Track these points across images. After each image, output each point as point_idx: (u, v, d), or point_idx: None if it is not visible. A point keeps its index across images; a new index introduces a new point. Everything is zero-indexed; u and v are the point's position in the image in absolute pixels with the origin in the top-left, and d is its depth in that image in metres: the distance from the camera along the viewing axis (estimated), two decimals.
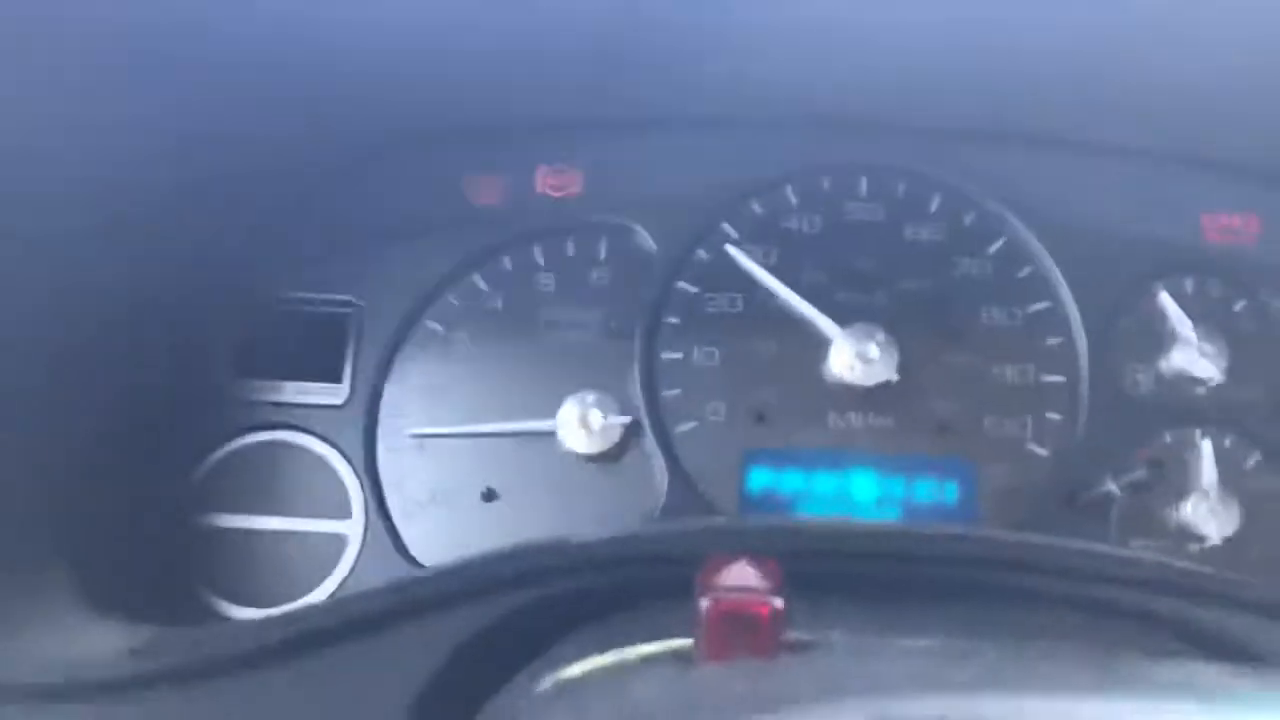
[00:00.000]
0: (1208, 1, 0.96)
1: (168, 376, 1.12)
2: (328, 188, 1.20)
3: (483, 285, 1.17)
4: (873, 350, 1.10)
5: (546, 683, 0.61)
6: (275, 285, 1.17)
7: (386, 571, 1.07)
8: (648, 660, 0.64)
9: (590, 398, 1.11)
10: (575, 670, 0.61)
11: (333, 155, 1.19)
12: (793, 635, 0.63)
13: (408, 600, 0.70)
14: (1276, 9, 0.96)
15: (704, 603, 0.62)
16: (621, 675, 0.60)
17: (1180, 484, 1.09)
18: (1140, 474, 0.99)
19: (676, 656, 0.63)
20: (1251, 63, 1.03)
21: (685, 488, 1.10)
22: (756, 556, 0.64)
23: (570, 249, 1.18)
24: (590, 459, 1.10)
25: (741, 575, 0.63)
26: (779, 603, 0.62)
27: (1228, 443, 1.10)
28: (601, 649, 0.70)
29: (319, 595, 1.08)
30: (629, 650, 0.64)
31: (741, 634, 0.62)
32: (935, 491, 1.10)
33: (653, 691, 0.59)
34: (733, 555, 0.64)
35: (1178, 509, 1.08)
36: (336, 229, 1.19)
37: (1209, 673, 0.59)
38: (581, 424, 1.10)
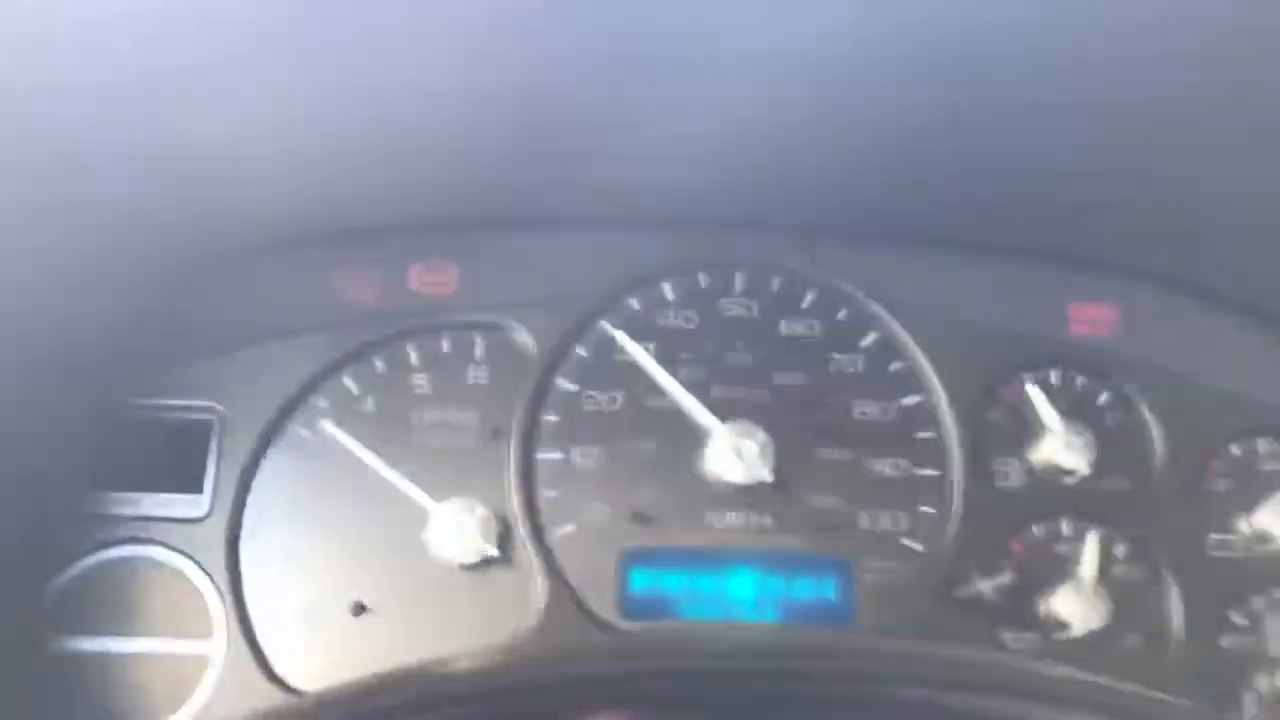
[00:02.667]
0: (1064, 110, 0.99)
1: (19, 491, 1.05)
2: (193, 290, 1.15)
3: (353, 387, 1.14)
4: (749, 448, 1.10)
5: None
6: (134, 393, 1.12)
7: (250, 693, 1.02)
8: None
9: (465, 503, 1.08)
10: None
11: (199, 258, 1.15)
12: None
13: None
14: (1129, 113, 1.00)
15: None
16: None
17: (1051, 575, 1.11)
18: (1008, 578, 1.00)
19: None
20: (1111, 160, 1.06)
21: (564, 594, 1.08)
22: (617, 708, 0.63)
23: (446, 347, 1.16)
24: (465, 568, 1.08)
25: None
26: None
27: (1096, 534, 1.13)
28: None
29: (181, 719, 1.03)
30: None
31: None
32: (813, 590, 1.10)
33: None
34: (594, 709, 0.63)
35: (1049, 600, 1.09)
36: (201, 332, 1.15)
37: None
38: (455, 531, 1.07)
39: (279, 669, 1.05)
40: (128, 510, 1.08)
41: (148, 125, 0.95)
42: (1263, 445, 1.17)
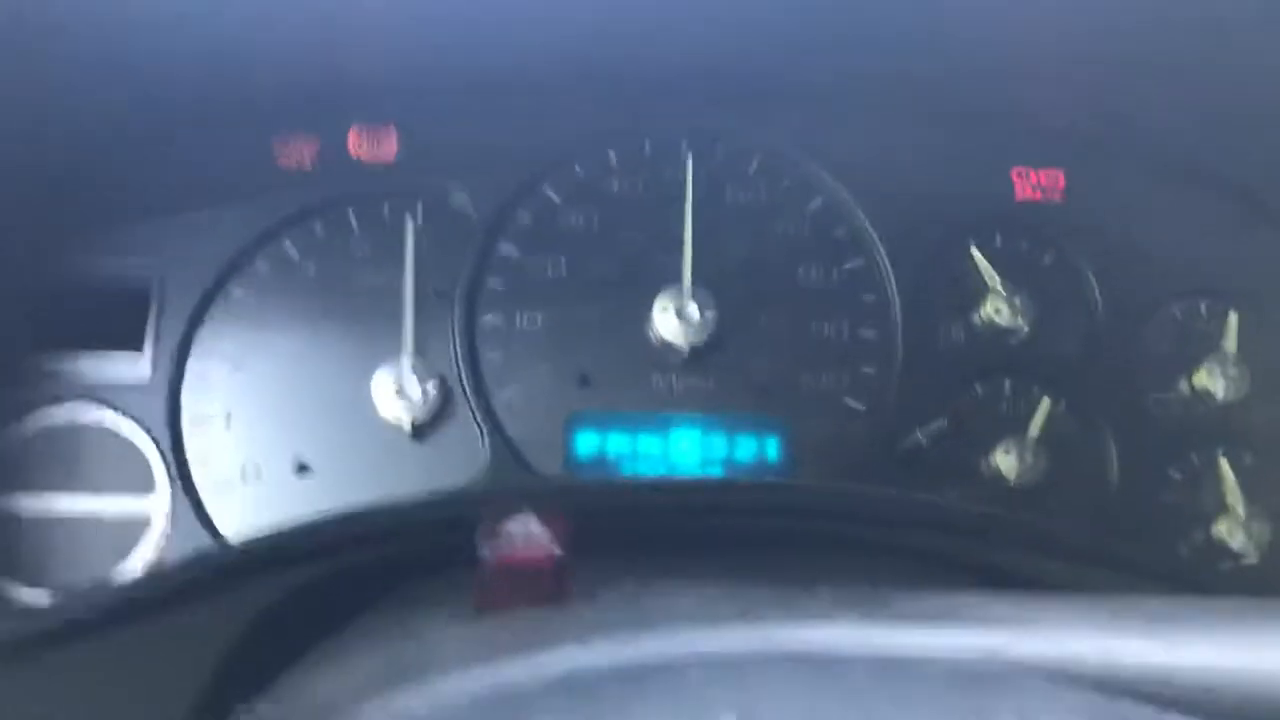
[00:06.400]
0: None
1: None
2: (130, 152, 1.13)
3: (293, 251, 1.13)
4: (694, 311, 1.10)
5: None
6: (73, 253, 1.10)
7: (192, 550, 1.03)
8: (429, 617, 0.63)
9: (406, 364, 1.08)
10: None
11: (136, 118, 1.13)
12: (578, 585, 0.63)
13: (203, 575, 0.68)
14: None
15: (484, 552, 0.61)
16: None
17: (992, 432, 1.12)
18: (942, 424, 1.01)
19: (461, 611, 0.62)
20: (1057, 21, 1.05)
21: (507, 454, 1.09)
22: (541, 509, 0.63)
23: (386, 212, 1.15)
24: (408, 428, 1.07)
25: (523, 525, 0.62)
26: (559, 550, 0.61)
27: (1034, 391, 1.14)
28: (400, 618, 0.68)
29: (123, 576, 1.03)
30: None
31: (523, 583, 0.61)
32: (756, 449, 1.11)
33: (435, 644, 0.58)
34: (515, 508, 0.63)
35: (989, 456, 1.11)
36: (139, 194, 1.13)
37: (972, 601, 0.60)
38: (397, 392, 1.07)
39: (221, 526, 1.06)
40: (68, 369, 1.07)
41: None
42: (1204, 305, 1.18)
